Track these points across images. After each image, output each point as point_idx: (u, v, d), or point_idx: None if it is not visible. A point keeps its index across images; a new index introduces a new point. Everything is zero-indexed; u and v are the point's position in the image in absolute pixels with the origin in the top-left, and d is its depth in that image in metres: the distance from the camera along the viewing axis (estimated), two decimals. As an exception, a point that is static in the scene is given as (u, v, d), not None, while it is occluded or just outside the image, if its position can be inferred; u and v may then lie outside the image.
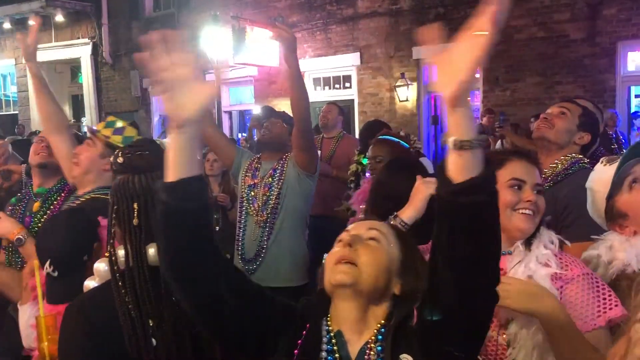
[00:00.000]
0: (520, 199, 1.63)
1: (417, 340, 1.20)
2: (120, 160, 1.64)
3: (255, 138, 8.57)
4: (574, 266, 1.61)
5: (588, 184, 1.98)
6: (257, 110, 11.31)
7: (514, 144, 6.51)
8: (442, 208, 1.09)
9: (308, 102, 3.10)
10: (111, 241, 1.60)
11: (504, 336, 1.57)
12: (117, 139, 2.53)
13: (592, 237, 1.81)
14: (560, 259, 1.62)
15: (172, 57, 1.11)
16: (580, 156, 2.47)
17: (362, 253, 1.29)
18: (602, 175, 1.90)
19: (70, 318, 1.53)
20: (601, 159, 1.99)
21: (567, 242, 1.69)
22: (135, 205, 1.57)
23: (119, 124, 2.60)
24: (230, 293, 1.23)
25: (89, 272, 1.80)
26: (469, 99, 1.06)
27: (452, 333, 1.14)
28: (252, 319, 1.28)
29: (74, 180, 2.56)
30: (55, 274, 1.85)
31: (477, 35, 1.02)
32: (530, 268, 1.59)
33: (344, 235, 1.37)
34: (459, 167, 1.05)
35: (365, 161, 4.01)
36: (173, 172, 1.14)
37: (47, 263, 1.85)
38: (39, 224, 2.61)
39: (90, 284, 1.68)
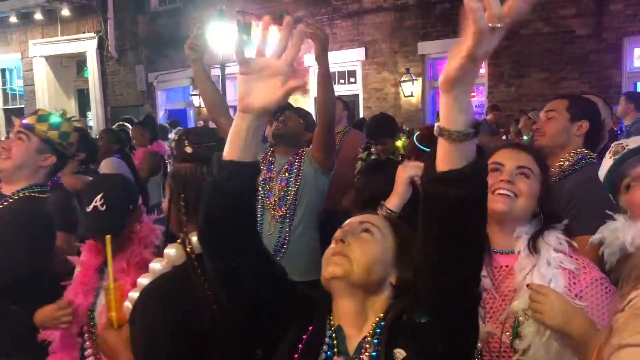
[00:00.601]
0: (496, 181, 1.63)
1: (409, 336, 1.20)
2: (188, 150, 1.70)
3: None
4: (590, 269, 1.59)
5: (600, 175, 1.99)
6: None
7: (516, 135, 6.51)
8: (422, 194, 1.09)
9: (335, 102, 3.11)
10: (184, 229, 1.64)
11: (508, 334, 1.57)
12: (53, 134, 2.50)
13: (607, 212, 1.80)
14: (576, 259, 1.60)
15: (277, 46, 1.18)
16: (587, 151, 2.43)
17: (354, 246, 1.29)
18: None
19: (150, 305, 1.59)
20: (609, 149, 1.98)
21: (574, 243, 1.65)
22: None
23: (54, 118, 2.55)
24: (254, 272, 1.28)
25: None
26: (462, 88, 1.01)
27: (435, 330, 1.14)
28: (268, 300, 1.31)
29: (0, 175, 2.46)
30: (103, 208, 1.96)
31: (471, 25, 0.98)
32: (541, 273, 1.56)
33: (337, 232, 1.37)
34: (441, 156, 1.04)
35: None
36: (228, 151, 1.20)
37: (99, 196, 1.97)
38: None
39: (156, 266, 1.71)
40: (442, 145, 1.04)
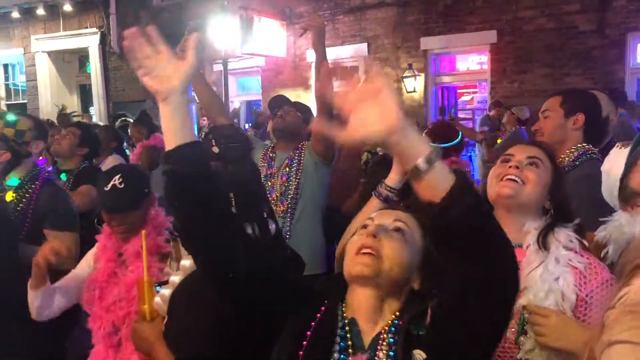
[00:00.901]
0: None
1: (431, 339, 1.17)
2: (215, 150, 1.79)
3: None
4: (600, 269, 1.58)
5: (603, 167, 1.98)
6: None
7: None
8: (438, 230, 1.07)
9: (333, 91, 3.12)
10: None
11: (513, 330, 1.56)
12: (9, 131, 2.64)
13: (600, 219, 1.79)
14: (587, 258, 1.58)
15: (146, 48, 1.22)
16: (589, 147, 2.42)
17: (385, 245, 1.26)
18: (617, 157, 1.90)
19: (185, 300, 1.66)
20: (617, 144, 1.99)
21: (585, 242, 1.64)
22: (232, 195, 1.64)
23: (10, 117, 2.69)
24: (245, 260, 1.27)
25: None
26: (407, 128, 1.03)
27: (466, 339, 1.11)
28: (264, 291, 1.30)
29: None
30: (122, 186, 2.09)
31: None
32: (549, 270, 1.55)
33: (368, 223, 1.34)
34: (428, 192, 1.04)
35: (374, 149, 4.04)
36: (168, 141, 1.24)
37: (118, 176, 2.11)
38: (19, 209, 2.65)
39: (186, 263, 1.77)
40: (421, 183, 1.04)
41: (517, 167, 1.64)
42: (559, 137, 2.45)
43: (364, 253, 1.26)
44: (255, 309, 1.32)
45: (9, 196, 2.72)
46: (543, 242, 1.59)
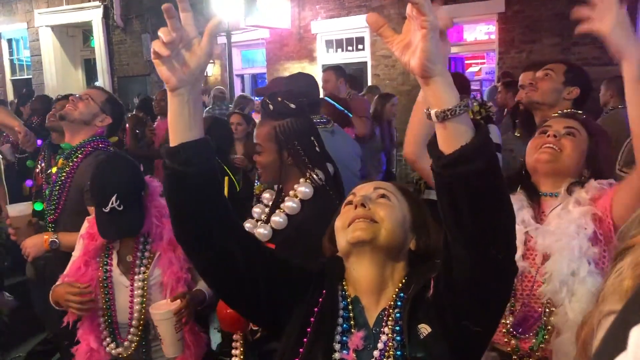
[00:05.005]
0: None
1: (434, 312, 1.17)
2: (271, 107, 1.98)
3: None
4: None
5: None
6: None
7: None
8: (439, 183, 1.03)
9: None
10: (309, 168, 1.97)
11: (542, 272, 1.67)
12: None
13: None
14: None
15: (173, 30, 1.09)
16: (573, 111, 2.53)
17: (376, 210, 1.27)
18: None
19: None
20: None
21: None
22: (296, 142, 1.97)
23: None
24: (243, 255, 1.22)
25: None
26: (444, 66, 1.00)
27: (468, 308, 1.11)
28: (266, 284, 1.26)
29: None
30: (121, 207, 2.00)
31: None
32: (568, 209, 1.67)
33: (351, 198, 1.34)
34: (447, 138, 1.00)
35: None
36: (173, 136, 1.15)
37: (114, 198, 2.00)
38: (62, 178, 2.69)
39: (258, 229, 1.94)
40: (446, 128, 1.00)
41: (554, 136, 1.76)
42: (551, 100, 2.60)
43: (359, 221, 1.26)
44: (260, 299, 1.29)
45: (59, 163, 2.75)
46: (571, 190, 1.73)
